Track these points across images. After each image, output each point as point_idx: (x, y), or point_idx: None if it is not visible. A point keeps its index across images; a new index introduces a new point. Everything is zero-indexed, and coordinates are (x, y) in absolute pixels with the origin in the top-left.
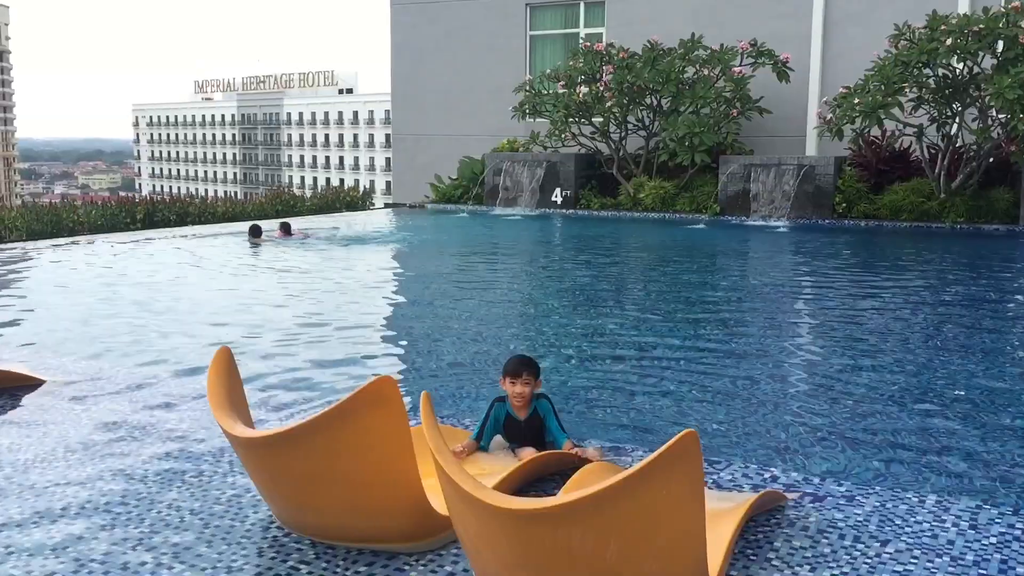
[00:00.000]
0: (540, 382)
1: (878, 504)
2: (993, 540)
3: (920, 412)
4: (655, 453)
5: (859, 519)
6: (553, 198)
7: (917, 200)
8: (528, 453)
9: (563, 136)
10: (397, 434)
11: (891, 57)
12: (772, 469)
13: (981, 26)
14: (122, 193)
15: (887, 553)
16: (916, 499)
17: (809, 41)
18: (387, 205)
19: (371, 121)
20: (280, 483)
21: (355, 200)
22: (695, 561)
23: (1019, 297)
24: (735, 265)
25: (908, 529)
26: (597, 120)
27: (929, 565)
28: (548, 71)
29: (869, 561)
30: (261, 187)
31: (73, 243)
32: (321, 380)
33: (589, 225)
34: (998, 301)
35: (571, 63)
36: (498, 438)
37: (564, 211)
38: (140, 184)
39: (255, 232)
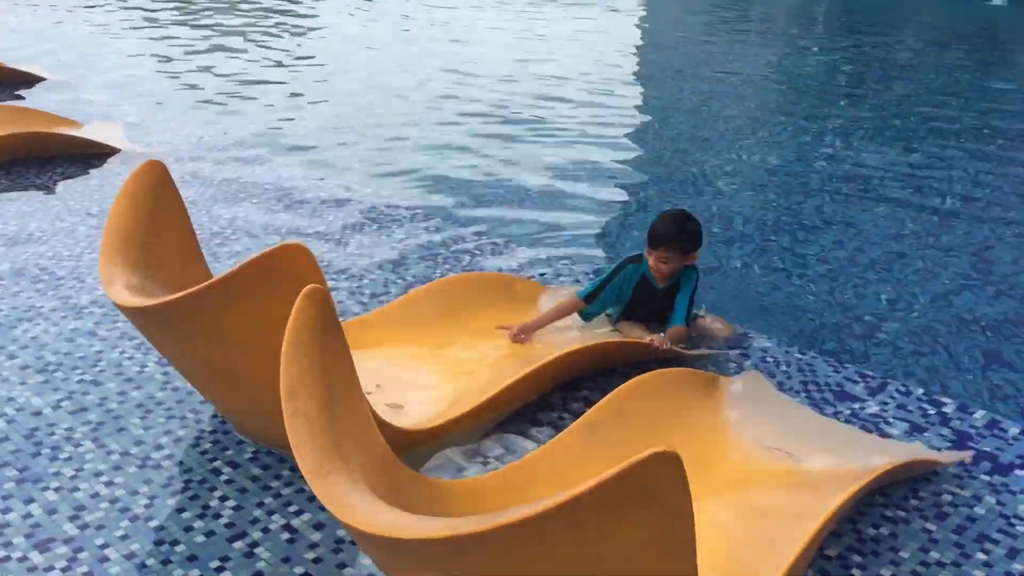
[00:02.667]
0: (694, 256)
1: None
2: None
3: None
4: (587, 483)
5: None
6: None
7: None
8: (626, 330)
9: None
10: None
11: None
12: (946, 402)
13: None
14: None
15: None
16: None
17: None
18: None
19: None
20: (180, 366)
21: None
22: None
23: None
24: None
25: None
26: None
27: None
28: None
29: None
30: None
31: None
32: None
33: None
34: None
35: None
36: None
37: None
38: None
39: None
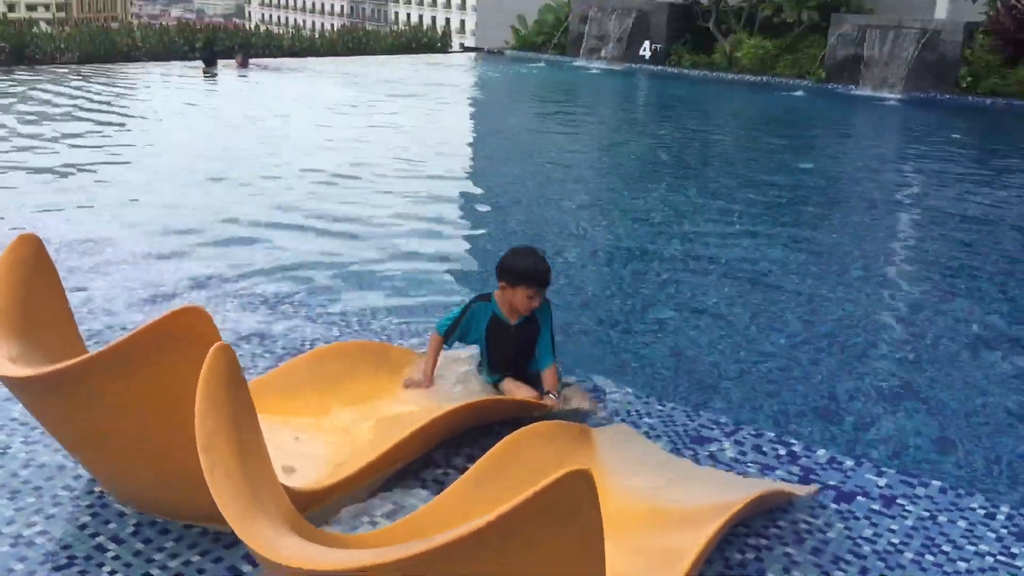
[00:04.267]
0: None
1: (927, 514)
2: None
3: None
4: (513, 502)
5: (894, 540)
6: (641, 52)
7: None
8: (512, 390)
9: None
10: (184, 395)
11: None
12: (793, 442)
13: None
14: (236, 20)
15: None
16: (984, 511)
17: None
18: (465, 49)
19: None
20: (65, 436)
21: (432, 41)
22: None
23: None
24: (832, 145)
25: (964, 562)
26: None
27: None
28: None
29: None
30: (367, 21)
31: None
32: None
33: (676, 85)
34: None
35: None
36: (472, 351)
37: (652, 67)
38: (250, 12)
39: (210, 61)
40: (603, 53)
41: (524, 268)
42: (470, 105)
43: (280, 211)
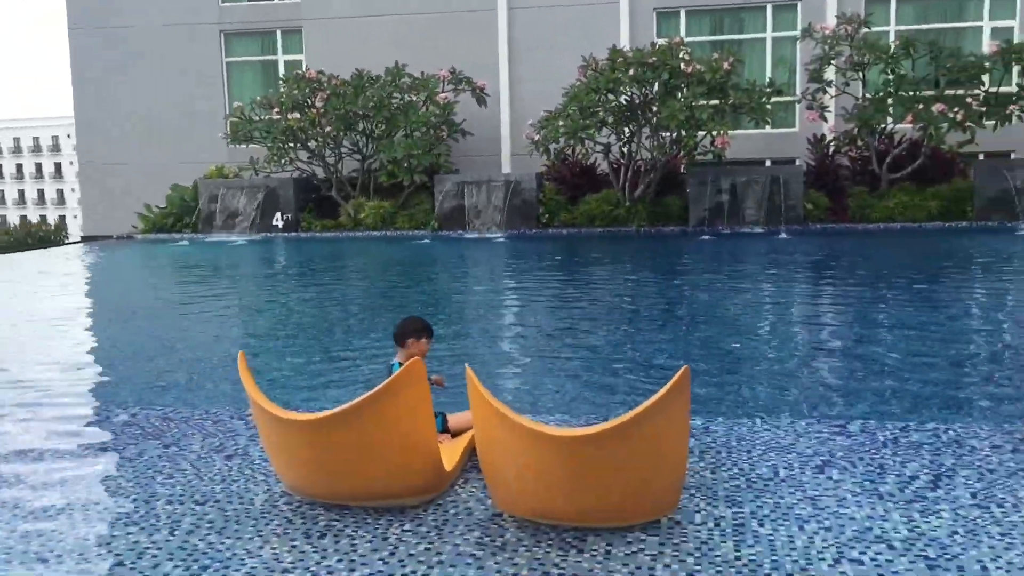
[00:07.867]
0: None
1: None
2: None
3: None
4: (665, 387)
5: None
6: (274, 222)
7: (607, 208)
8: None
9: (282, 161)
10: (424, 406)
11: (583, 85)
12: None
13: (654, 59)
14: None
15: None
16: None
17: (498, 69)
18: (84, 239)
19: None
20: (326, 457)
21: (48, 235)
22: (682, 465)
23: (705, 277)
24: (461, 276)
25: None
26: (312, 144)
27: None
28: (259, 98)
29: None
30: None
31: None
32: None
33: (313, 247)
34: (682, 284)
35: (283, 90)
36: None
37: (286, 234)
38: None
39: None
40: (238, 227)
41: (426, 324)
42: (134, 286)
43: None
